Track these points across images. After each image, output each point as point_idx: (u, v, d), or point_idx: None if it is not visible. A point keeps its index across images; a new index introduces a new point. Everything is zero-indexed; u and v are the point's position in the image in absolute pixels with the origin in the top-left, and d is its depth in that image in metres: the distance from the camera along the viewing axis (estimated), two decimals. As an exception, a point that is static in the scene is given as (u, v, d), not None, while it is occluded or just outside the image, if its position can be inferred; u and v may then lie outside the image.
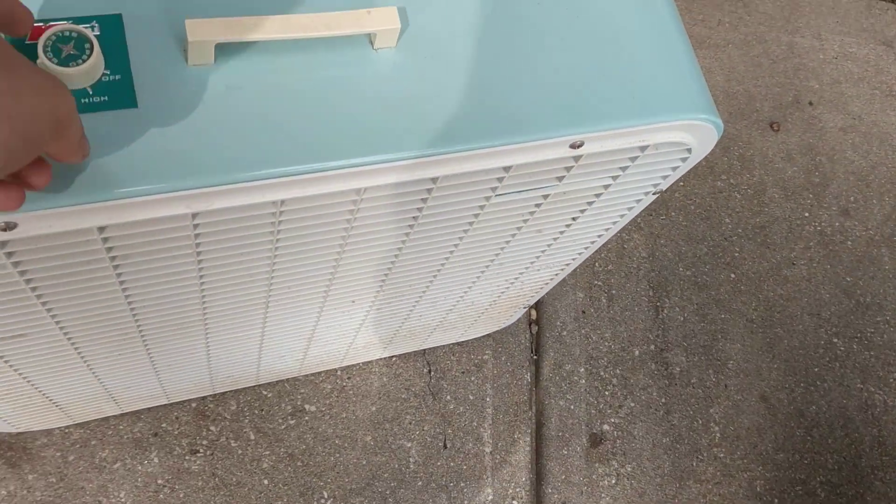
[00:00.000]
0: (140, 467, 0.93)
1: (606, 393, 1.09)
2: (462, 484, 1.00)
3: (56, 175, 0.40)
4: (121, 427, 0.94)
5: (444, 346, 1.05)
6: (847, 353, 1.19)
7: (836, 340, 1.19)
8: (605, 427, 1.08)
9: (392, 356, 1.03)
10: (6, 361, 0.62)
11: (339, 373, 1.02)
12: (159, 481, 0.93)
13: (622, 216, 0.67)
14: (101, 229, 0.43)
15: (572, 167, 0.54)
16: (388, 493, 0.98)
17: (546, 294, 1.12)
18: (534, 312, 1.11)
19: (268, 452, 0.96)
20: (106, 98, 0.43)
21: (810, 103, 1.34)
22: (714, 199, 1.24)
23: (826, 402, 1.15)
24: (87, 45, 0.42)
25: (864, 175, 1.31)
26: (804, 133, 1.32)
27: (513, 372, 1.07)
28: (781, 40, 1.38)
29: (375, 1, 0.48)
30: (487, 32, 0.51)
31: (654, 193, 0.66)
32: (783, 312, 1.19)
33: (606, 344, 1.12)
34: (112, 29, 0.44)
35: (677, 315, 1.16)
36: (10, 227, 0.41)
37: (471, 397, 1.04)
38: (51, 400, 0.76)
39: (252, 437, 0.97)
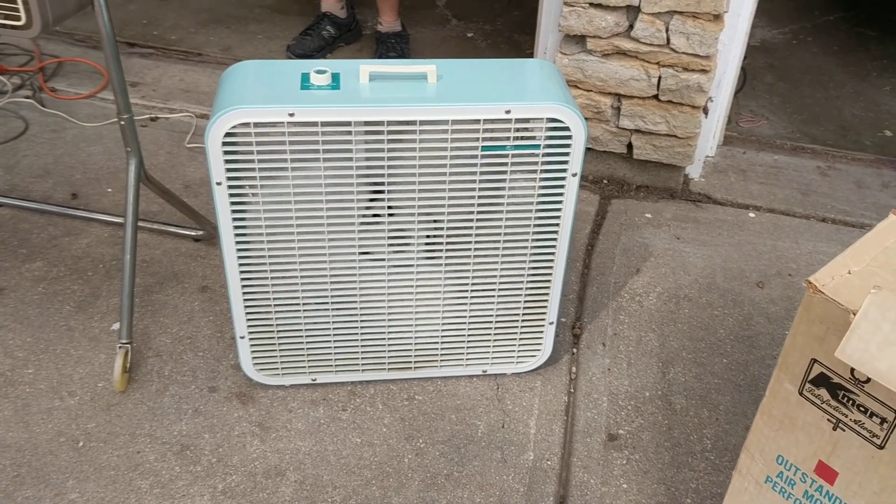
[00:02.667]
0: (312, 413, 1.52)
1: (622, 413, 1.56)
2: (512, 448, 1.48)
3: (305, 98, 1.22)
4: (305, 393, 1.55)
5: (508, 375, 1.61)
6: (822, 412, 1.56)
7: (812, 403, 1.58)
8: (620, 431, 1.52)
9: (472, 376, 1.60)
10: (274, 298, 1.35)
11: (438, 382, 1.59)
12: (322, 421, 1.51)
13: (560, 192, 1.34)
14: (325, 124, 1.22)
15: (510, 128, 1.26)
16: (461, 445, 1.47)
17: (582, 358, 1.66)
18: (574, 369, 1.64)
19: (388, 416, 1.52)
20: (329, 88, 1.25)
21: (789, 275, 1.90)
22: (711, 320, 1.77)
23: (803, 438, 1.51)
24: (325, 73, 1.26)
25: (835, 314, 1.79)
26: (785, 289, 1.86)
27: (555, 395, 1.58)
28: (766, 244, 2.00)
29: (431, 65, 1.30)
30: (476, 78, 1.30)
31: (573, 175, 1.34)
32: (766, 383, 1.62)
33: (624, 388, 1.61)
34: (336, 74, 1.28)
35: (680, 377, 1.63)
36: (292, 115, 1.21)
37: (524, 404, 1.56)
38: (279, 346, 1.44)
39: (380, 407, 1.54)
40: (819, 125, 2.53)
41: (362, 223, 1.35)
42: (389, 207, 1.34)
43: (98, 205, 1.98)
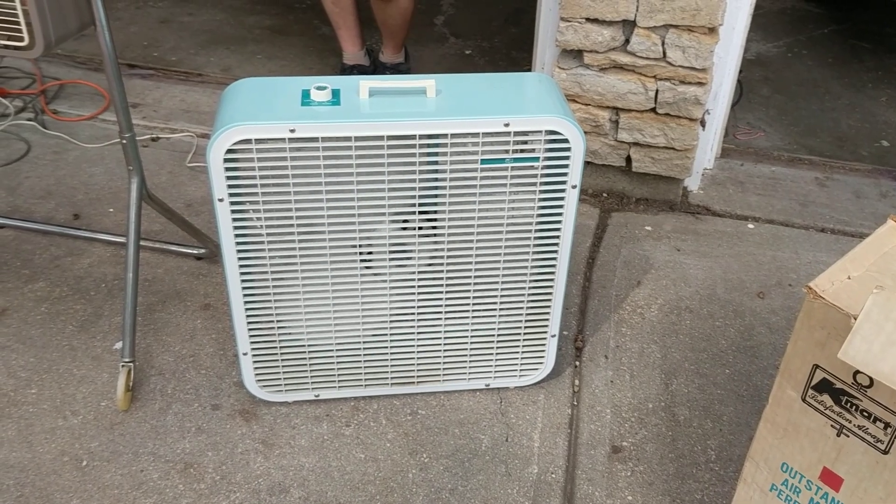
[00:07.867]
0: (315, 429, 1.52)
1: (626, 425, 1.55)
2: (516, 461, 1.47)
3: (302, 114, 1.23)
4: (309, 409, 1.55)
5: (511, 388, 1.60)
6: (826, 421, 1.56)
7: (815, 413, 1.58)
8: (624, 443, 1.52)
9: (475, 390, 1.60)
10: (277, 314, 1.35)
11: (441, 396, 1.59)
12: (325, 437, 1.50)
13: (560, 204, 1.35)
14: (326, 139, 1.23)
15: (509, 140, 1.27)
16: (465, 460, 1.47)
17: (585, 370, 1.66)
18: (577, 382, 1.64)
19: (391, 431, 1.52)
20: (329, 104, 1.26)
21: (790, 285, 1.90)
22: (713, 331, 1.77)
23: (808, 447, 1.51)
24: (325, 89, 1.27)
25: (837, 324, 1.79)
26: (785, 299, 1.86)
27: (558, 408, 1.58)
28: (766, 254, 2.00)
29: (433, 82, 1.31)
30: (474, 92, 1.31)
31: (572, 187, 1.34)
32: (769, 393, 1.62)
33: (627, 400, 1.60)
34: (336, 90, 1.29)
35: (682, 388, 1.63)
36: (293, 130, 1.22)
37: (527, 417, 1.56)
38: (282, 363, 1.45)
39: (384, 422, 1.54)
40: (816, 136, 2.54)
41: (363, 237, 1.36)
42: (391, 221, 1.35)
43: (100, 225, 1.99)
